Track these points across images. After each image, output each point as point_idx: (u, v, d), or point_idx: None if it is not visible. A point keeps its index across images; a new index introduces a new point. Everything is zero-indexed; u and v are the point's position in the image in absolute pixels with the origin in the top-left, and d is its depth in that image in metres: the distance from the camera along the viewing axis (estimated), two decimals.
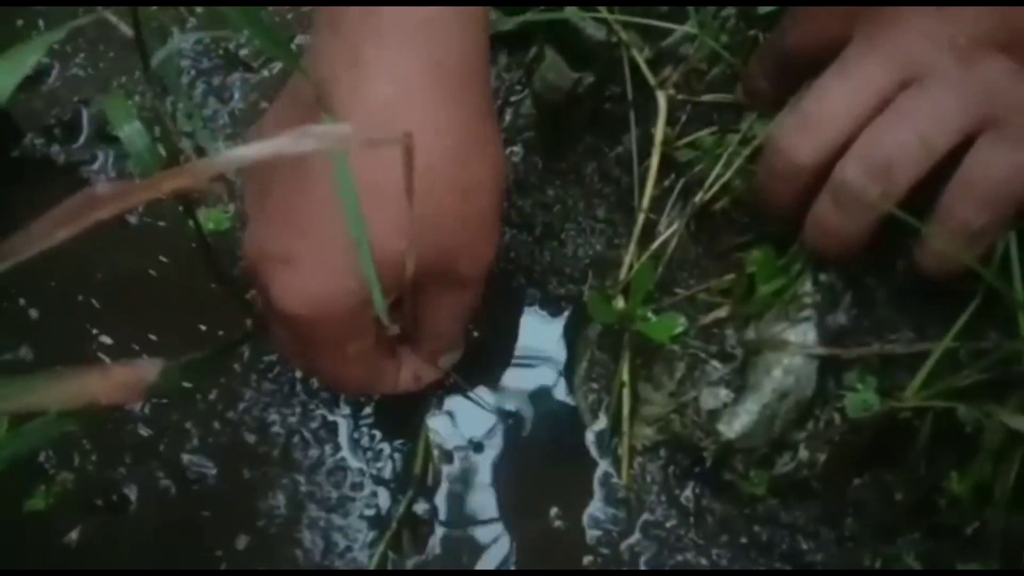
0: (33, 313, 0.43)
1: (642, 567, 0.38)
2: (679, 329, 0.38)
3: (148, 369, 0.17)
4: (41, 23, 0.48)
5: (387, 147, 0.27)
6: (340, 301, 0.30)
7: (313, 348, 0.32)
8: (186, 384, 0.41)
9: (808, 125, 0.33)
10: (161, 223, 0.45)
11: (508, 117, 0.44)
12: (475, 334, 0.42)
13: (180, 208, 0.34)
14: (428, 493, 0.40)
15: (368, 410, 0.41)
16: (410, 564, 0.38)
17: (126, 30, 0.29)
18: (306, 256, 0.30)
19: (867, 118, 0.32)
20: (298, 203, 0.30)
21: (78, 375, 0.18)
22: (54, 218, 0.19)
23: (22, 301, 0.43)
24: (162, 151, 0.38)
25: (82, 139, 0.47)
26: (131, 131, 0.30)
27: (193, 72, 0.48)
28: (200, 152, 0.45)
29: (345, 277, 0.30)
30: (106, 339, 0.42)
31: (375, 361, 0.35)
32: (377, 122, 0.29)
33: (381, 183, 0.28)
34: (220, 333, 0.42)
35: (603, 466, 0.39)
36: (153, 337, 0.42)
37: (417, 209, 0.27)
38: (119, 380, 0.17)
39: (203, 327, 0.42)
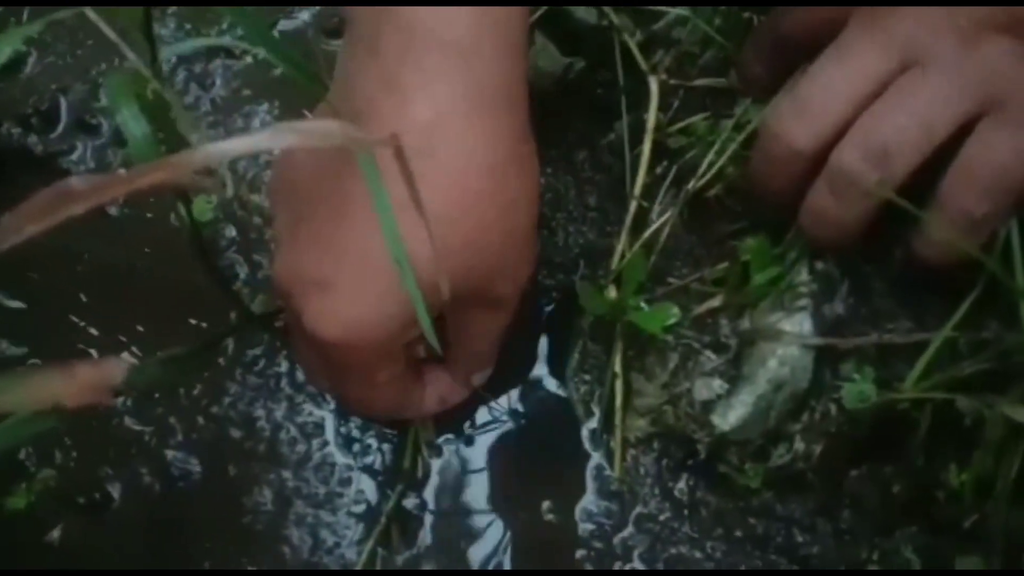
0: (16, 305, 0.43)
1: (636, 561, 0.37)
2: (672, 319, 0.37)
3: (114, 369, 0.17)
4: (25, 13, 0.47)
5: (422, 163, 0.27)
6: (378, 327, 0.30)
7: (344, 374, 0.32)
8: (169, 380, 0.40)
9: (804, 110, 0.32)
10: (146, 214, 0.44)
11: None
12: None
13: (178, 201, 0.33)
14: (417, 487, 0.39)
15: None
16: (400, 560, 0.38)
17: (108, 31, 0.28)
18: (344, 281, 0.30)
19: (865, 102, 0.31)
20: (334, 226, 0.30)
21: (42, 375, 0.17)
22: (25, 212, 0.18)
23: (5, 293, 0.42)
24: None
25: (60, 129, 0.46)
26: (129, 116, 0.29)
27: (174, 59, 0.46)
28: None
29: (384, 302, 0.29)
30: (92, 331, 0.42)
31: (404, 386, 0.35)
32: (417, 145, 0.28)
33: (424, 206, 0.27)
34: (204, 325, 0.41)
35: (596, 458, 0.39)
36: (140, 328, 0.42)
37: (458, 228, 0.28)
38: (84, 381, 0.17)
39: (191, 320, 0.41)
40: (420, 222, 0.26)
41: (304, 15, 0.47)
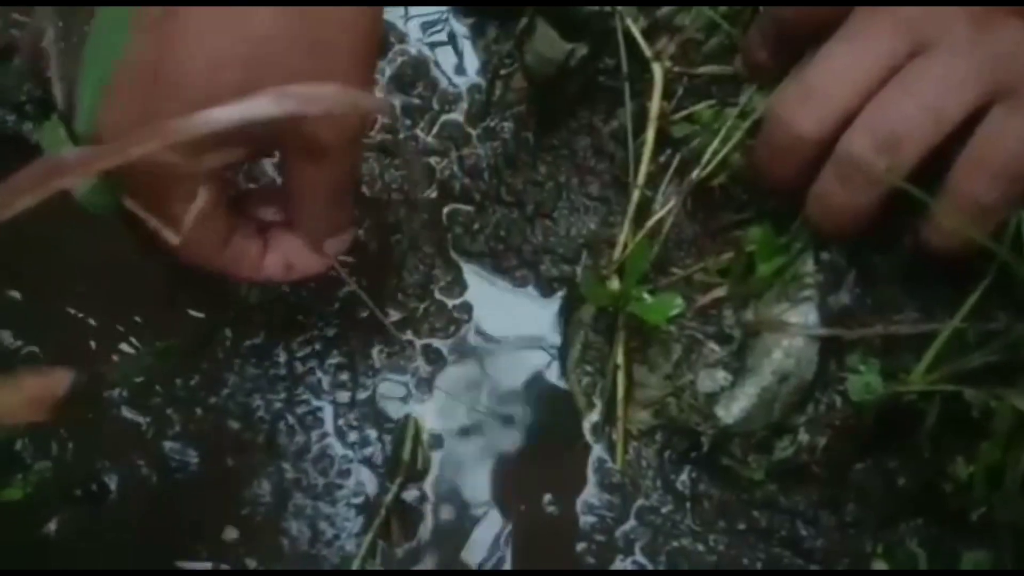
0: (14, 296, 0.42)
1: (637, 553, 0.37)
2: (676, 310, 0.37)
3: (58, 382, 0.16)
4: None
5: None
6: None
7: (134, 192, 0.29)
8: (165, 370, 0.40)
9: (811, 95, 0.31)
10: None
11: (498, 91, 0.43)
12: (465, 317, 0.41)
13: None
14: (417, 479, 0.39)
15: (355, 395, 0.40)
16: (399, 552, 0.38)
17: None
18: (124, 81, 0.26)
19: (874, 88, 0.30)
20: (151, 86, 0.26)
21: None
22: (14, 185, 0.17)
23: (3, 285, 0.42)
24: None
25: (54, 116, 0.45)
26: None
27: None
28: None
29: (157, 114, 0.25)
30: (91, 321, 0.41)
31: (218, 231, 0.31)
32: None
33: None
34: (202, 316, 0.41)
35: (597, 451, 0.38)
36: (137, 319, 0.41)
37: (239, 30, 0.24)
38: (28, 395, 0.16)
39: (189, 311, 0.41)
40: (207, 19, 0.23)
41: None
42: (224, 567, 0.37)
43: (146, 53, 0.26)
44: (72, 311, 0.41)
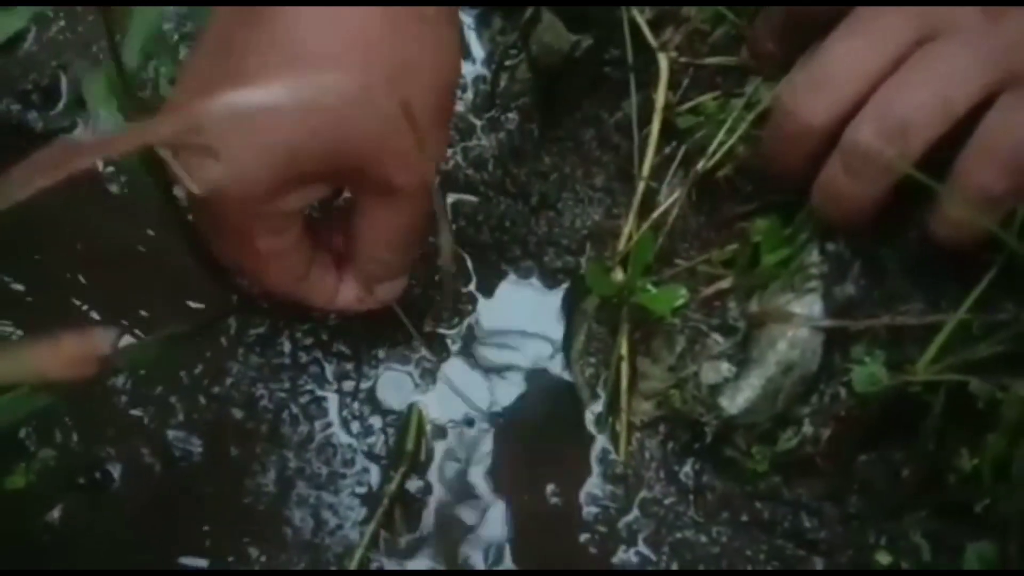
0: (18, 288, 0.42)
1: (640, 545, 0.37)
2: (680, 301, 0.37)
3: (101, 341, 0.16)
4: None
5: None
6: (237, 183, 0.27)
7: (217, 232, 0.30)
8: (170, 359, 0.40)
9: (819, 84, 0.31)
10: (148, 195, 0.43)
11: (503, 82, 0.43)
12: (469, 307, 0.41)
13: (155, 178, 0.33)
14: (421, 469, 0.39)
15: (359, 384, 0.40)
16: (402, 542, 0.38)
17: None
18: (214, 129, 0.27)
19: (882, 76, 0.30)
20: (214, 70, 0.27)
21: (26, 349, 0.17)
22: (32, 166, 0.17)
23: (6, 276, 0.42)
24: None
25: (61, 105, 0.45)
26: (107, 115, 0.29)
27: (176, 36, 0.46)
28: None
29: (245, 156, 0.27)
30: (94, 314, 0.41)
31: (297, 265, 0.32)
32: None
33: (303, 48, 0.25)
34: (207, 308, 0.41)
35: (601, 442, 0.38)
36: (142, 312, 0.41)
37: (336, 79, 0.25)
38: (69, 353, 0.16)
39: (193, 302, 0.41)
40: (295, 70, 0.24)
41: None
42: (227, 557, 0.37)
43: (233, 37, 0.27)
44: (76, 303, 0.41)
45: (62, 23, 0.46)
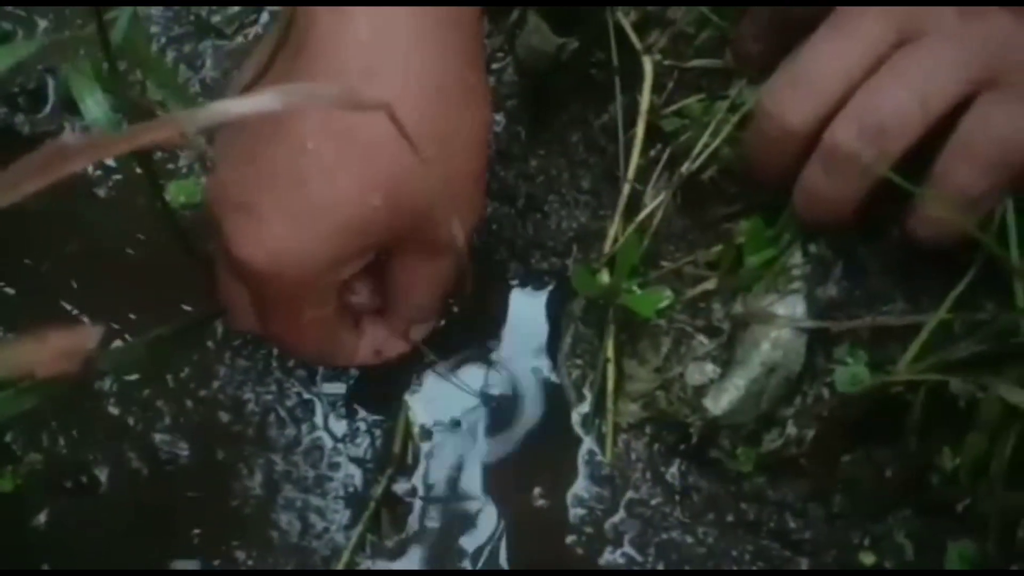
0: (9, 292, 0.42)
1: (626, 546, 0.37)
2: (665, 303, 0.37)
3: (87, 336, 0.16)
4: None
5: (360, 84, 0.26)
6: (301, 262, 0.28)
7: (267, 307, 0.31)
8: (156, 361, 0.40)
9: (799, 86, 0.31)
10: (136, 197, 0.43)
11: (490, 85, 0.43)
12: (455, 308, 0.41)
13: (150, 184, 0.33)
14: (408, 472, 0.39)
15: (346, 387, 0.40)
16: (389, 544, 0.38)
17: None
18: (272, 207, 0.28)
19: (861, 78, 0.30)
20: (269, 149, 0.28)
21: (11, 344, 0.17)
22: (21, 169, 0.17)
23: None
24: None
25: (48, 109, 0.45)
26: (93, 104, 0.29)
27: (164, 39, 0.46)
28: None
29: (312, 234, 0.28)
30: (84, 319, 0.41)
31: (334, 330, 0.33)
32: (355, 65, 0.27)
33: (357, 131, 0.26)
34: (192, 308, 0.41)
35: (587, 443, 0.38)
36: (132, 316, 0.41)
37: (395, 157, 0.26)
38: (56, 349, 0.16)
39: (184, 306, 0.41)
40: (356, 151, 0.25)
41: None
42: (214, 560, 0.37)
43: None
44: (66, 307, 0.41)
45: (49, 25, 0.46)
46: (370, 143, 0.25)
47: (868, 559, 0.35)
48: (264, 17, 0.46)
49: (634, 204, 0.39)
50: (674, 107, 0.39)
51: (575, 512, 0.38)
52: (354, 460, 0.39)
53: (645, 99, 0.39)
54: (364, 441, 0.39)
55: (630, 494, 0.38)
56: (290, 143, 0.28)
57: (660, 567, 0.37)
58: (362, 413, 0.39)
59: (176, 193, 0.42)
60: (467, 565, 0.37)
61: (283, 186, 0.28)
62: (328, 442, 0.39)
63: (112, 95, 0.29)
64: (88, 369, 0.19)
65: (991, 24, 0.29)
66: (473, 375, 0.40)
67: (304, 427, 0.39)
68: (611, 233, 0.39)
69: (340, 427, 0.39)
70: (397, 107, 0.26)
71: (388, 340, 0.36)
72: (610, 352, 0.38)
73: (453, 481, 0.39)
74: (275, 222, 0.28)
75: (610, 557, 0.37)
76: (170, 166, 0.43)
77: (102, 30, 0.28)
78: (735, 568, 0.36)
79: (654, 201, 0.39)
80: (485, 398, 0.40)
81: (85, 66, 0.29)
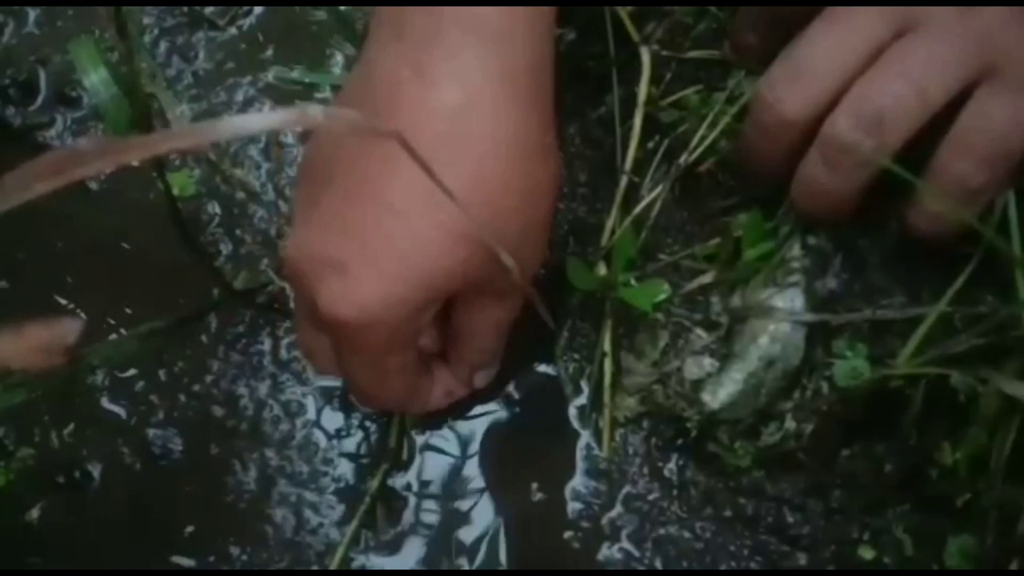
0: (3, 285, 0.42)
1: (624, 541, 0.37)
2: (662, 296, 0.37)
3: (68, 329, 0.16)
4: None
5: (448, 147, 0.27)
6: (393, 308, 0.30)
7: (357, 359, 0.32)
8: (148, 354, 0.39)
9: (797, 77, 0.31)
10: (129, 190, 0.43)
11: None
12: None
13: (154, 174, 0.32)
14: (403, 467, 0.38)
15: (340, 382, 0.39)
16: (384, 539, 0.37)
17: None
18: (360, 262, 0.29)
19: (860, 69, 0.30)
20: (351, 207, 0.29)
21: None
22: (33, 171, 0.17)
23: None
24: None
25: (39, 101, 0.45)
26: (97, 80, 0.29)
27: (156, 31, 0.46)
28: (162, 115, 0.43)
29: (400, 284, 0.29)
30: (80, 312, 0.41)
31: (414, 376, 0.34)
32: (444, 129, 0.28)
33: (446, 180, 0.27)
34: (186, 302, 0.40)
35: (584, 438, 0.38)
36: (128, 310, 0.41)
37: (480, 215, 0.27)
38: (34, 342, 0.16)
39: (180, 300, 0.41)
40: (440, 207, 0.26)
41: None
42: (208, 556, 0.37)
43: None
44: (61, 301, 0.41)
45: (40, 16, 0.46)
46: (458, 198, 0.26)
47: (867, 554, 0.35)
48: (257, 9, 0.46)
49: (631, 196, 0.39)
50: (672, 99, 0.39)
51: (572, 507, 0.37)
52: (349, 455, 0.39)
53: (643, 91, 0.38)
54: (359, 436, 0.39)
55: (627, 488, 0.37)
56: (378, 204, 0.29)
57: (657, 562, 0.36)
58: (357, 408, 0.39)
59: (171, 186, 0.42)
60: (463, 560, 0.37)
61: (373, 243, 0.29)
62: (323, 437, 0.39)
63: (120, 85, 0.29)
64: (73, 363, 0.19)
65: (988, 18, 0.29)
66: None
67: (299, 422, 0.39)
68: (608, 226, 0.39)
69: (335, 422, 0.39)
70: (483, 172, 0.29)
71: (456, 382, 0.37)
72: (607, 346, 0.38)
73: (449, 476, 0.38)
74: (366, 278, 0.29)
75: (607, 552, 0.37)
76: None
77: (123, 33, 0.28)
78: (733, 563, 0.36)
79: (651, 193, 0.38)
80: (482, 392, 0.39)
81: (87, 44, 0.29)
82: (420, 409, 0.37)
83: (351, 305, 0.29)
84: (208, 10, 0.46)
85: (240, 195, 0.42)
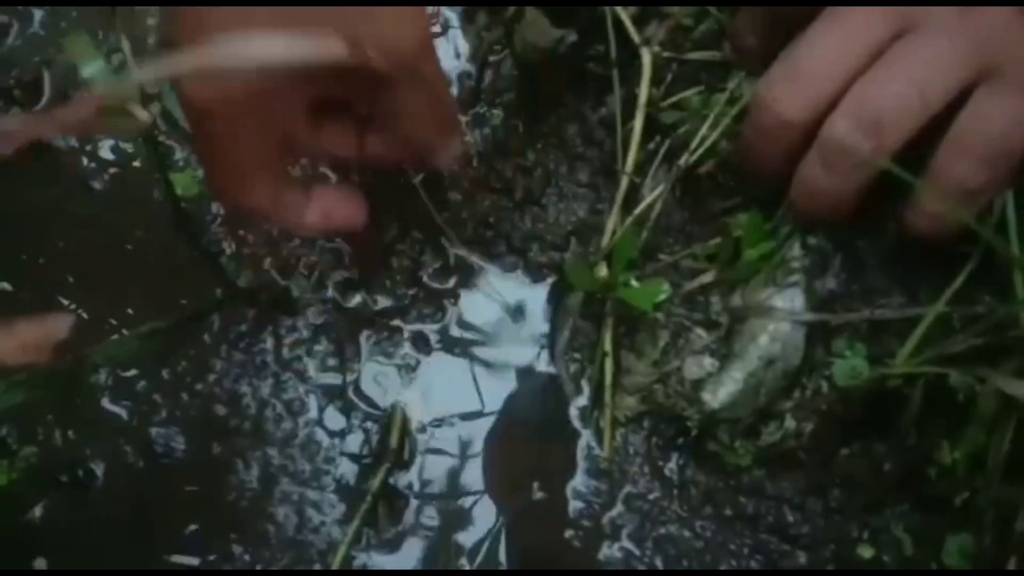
0: (6, 287, 0.42)
1: (624, 540, 0.37)
2: (662, 296, 0.37)
3: (58, 326, 0.16)
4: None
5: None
6: (237, 83, 0.28)
7: (208, 146, 0.30)
8: (150, 353, 0.40)
9: (797, 78, 0.31)
10: (132, 192, 0.43)
11: (488, 78, 0.43)
12: (452, 304, 0.41)
13: (156, 174, 0.32)
14: (404, 466, 0.39)
15: (342, 380, 0.40)
16: (386, 539, 0.37)
17: None
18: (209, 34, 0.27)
19: (859, 70, 0.30)
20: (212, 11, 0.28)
21: None
22: (65, 115, 0.17)
23: None
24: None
25: (44, 101, 0.45)
26: (95, 70, 0.29)
27: (158, 31, 0.46)
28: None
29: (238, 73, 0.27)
30: (82, 313, 0.41)
31: (276, 180, 0.33)
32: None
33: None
34: (188, 302, 0.41)
35: (585, 437, 0.38)
36: (130, 311, 0.41)
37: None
38: (24, 339, 0.16)
39: (181, 300, 0.41)
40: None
41: None
42: (210, 554, 0.37)
43: None
44: (63, 301, 0.41)
45: (44, 17, 0.46)
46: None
47: (866, 553, 0.35)
48: None
49: (632, 197, 0.39)
50: (672, 100, 0.39)
51: (573, 506, 0.37)
52: (351, 454, 0.39)
53: (643, 92, 0.39)
54: (361, 435, 0.39)
55: (628, 488, 0.37)
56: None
57: (658, 561, 0.37)
58: (359, 407, 0.39)
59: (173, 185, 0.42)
60: (464, 559, 0.37)
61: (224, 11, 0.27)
62: (325, 436, 0.39)
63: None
64: (76, 364, 0.19)
65: (988, 18, 0.29)
66: (470, 369, 0.40)
67: (301, 421, 0.39)
68: (609, 226, 0.39)
69: (337, 421, 0.39)
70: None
71: (338, 205, 0.35)
72: (608, 345, 0.38)
73: (450, 475, 0.39)
74: (211, 51, 0.27)
75: (608, 551, 0.37)
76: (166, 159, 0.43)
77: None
78: (733, 562, 0.36)
79: (652, 194, 0.38)
80: (482, 392, 0.39)
81: (83, 37, 0.29)
82: (292, 224, 0.35)
83: (194, 79, 0.28)
84: None
85: None
